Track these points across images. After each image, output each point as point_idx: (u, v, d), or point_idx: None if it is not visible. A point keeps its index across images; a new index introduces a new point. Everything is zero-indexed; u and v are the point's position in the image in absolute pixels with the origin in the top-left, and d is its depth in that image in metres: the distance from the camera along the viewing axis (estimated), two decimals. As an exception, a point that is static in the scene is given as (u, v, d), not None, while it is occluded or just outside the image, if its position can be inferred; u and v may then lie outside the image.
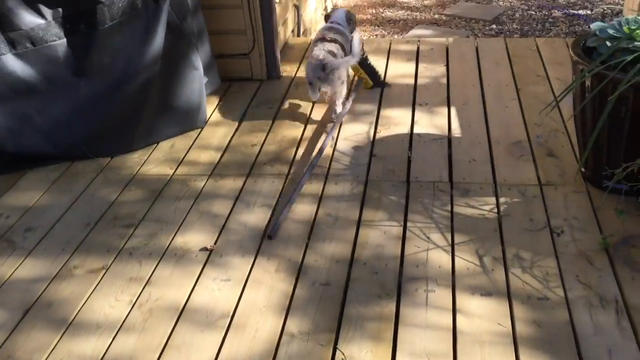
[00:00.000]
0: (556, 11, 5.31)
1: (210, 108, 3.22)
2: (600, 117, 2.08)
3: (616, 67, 2.12)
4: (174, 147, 2.92)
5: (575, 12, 5.26)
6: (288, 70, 3.61)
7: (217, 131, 3.04)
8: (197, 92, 3.01)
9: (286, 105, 3.24)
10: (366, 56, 3.32)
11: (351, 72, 3.35)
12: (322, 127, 2.99)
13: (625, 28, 2.24)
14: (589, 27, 4.98)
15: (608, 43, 2.25)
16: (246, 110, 3.21)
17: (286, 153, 2.81)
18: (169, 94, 2.92)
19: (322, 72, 2.86)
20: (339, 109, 2.99)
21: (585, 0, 5.47)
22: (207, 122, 3.10)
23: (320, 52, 2.94)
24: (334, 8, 3.83)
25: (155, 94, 2.85)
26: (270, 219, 2.37)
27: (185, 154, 2.86)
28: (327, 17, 3.38)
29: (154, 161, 2.82)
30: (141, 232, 2.36)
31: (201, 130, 3.04)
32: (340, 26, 3.22)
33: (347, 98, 3.14)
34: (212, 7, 3.31)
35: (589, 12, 5.26)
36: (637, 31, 2.21)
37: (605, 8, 5.27)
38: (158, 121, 2.92)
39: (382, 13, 5.71)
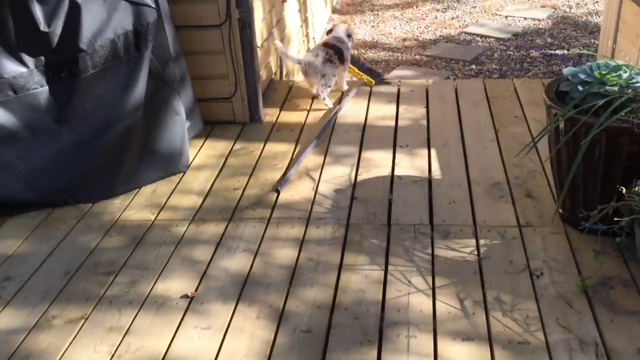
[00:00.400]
0: (534, 51, 5.45)
1: (193, 152, 3.24)
2: (574, 160, 2.12)
3: (588, 111, 2.17)
4: (155, 192, 2.92)
5: (552, 52, 5.40)
6: (270, 113, 3.65)
7: (199, 175, 3.05)
8: (179, 137, 3.03)
9: (268, 148, 3.27)
10: (359, 59, 4.06)
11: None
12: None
13: (596, 73, 2.31)
14: (565, 66, 5.12)
15: (580, 87, 2.31)
16: (228, 154, 3.23)
17: (268, 197, 2.82)
18: (151, 139, 2.94)
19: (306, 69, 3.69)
20: (322, 97, 3.68)
21: (561, 41, 5.62)
22: (189, 166, 3.11)
23: (309, 55, 3.75)
24: (335, 24, 4.42)
25: (137, 140, 2.87)
26: (252, 263, 2.37)
27: (167, 199, 2.86)
28: (329, 32, 4.01)
29: (135, 206, 2.81)
30: (122, 279, 2.34)
31: (183, 175, 3.05)
32: (341, 38, 3.87)
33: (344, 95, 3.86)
34: (195, 53, 3.36)
35: (565, 52, 5.40)
36: (608, 76, 2.27)
37: (582, 48, 5.42)
38: (140, 166, 2.93)
39: (365, 54, 5.81)
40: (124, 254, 2.48)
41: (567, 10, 6.39)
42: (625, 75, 2.27)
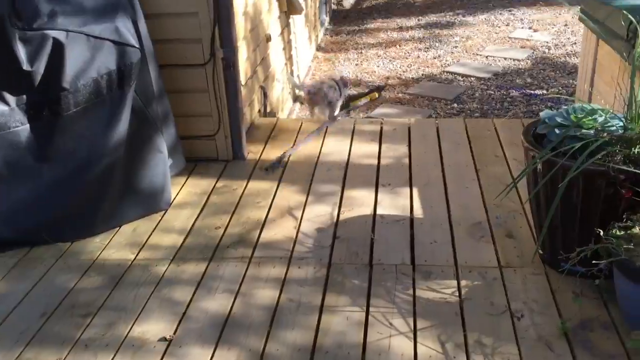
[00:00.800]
0: (514, 91, 5.55)
1: (175, 189, 3.23)
2: (552, 202, 2.15)
3: (565, 153, 2.21)
4: (136, 230, 2.90)
5: (532, 92, 5.51)
6: (254, 151, 3.66)
7: (181, 213, 3.03)
8: (161, 175, 3.02)
9: (251, 186, 3.27)
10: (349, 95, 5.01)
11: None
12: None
13: (572, 116, 2.35)
14: (546, 106, 5.22)
15: (557, 130, 2.35)
16: (211, 192, 3.22)
17: (250, 235, 2.81)
18: (133, 178, 2.92)
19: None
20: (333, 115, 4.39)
21: (540, 81, 5.74)
22: (171, 204, 3.10)
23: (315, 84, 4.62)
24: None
25: (118, 178, 2.86)
26: (232, 304, 2.34)
27: (148, 238, 2.83)
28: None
29: (115, 245, 2.78)
30: (99, 321, 2.30)
31: (165, 213, 3.04)
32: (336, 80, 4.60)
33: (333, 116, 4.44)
34: (179, 91, 3.38)
35: (544, 92, 5.51)
36: (584, 120, 2.32)
37: (560, 88, 5.54)
38: (121, 205, 2.91)
39: (348, 92, 5.88)
40: (102, 294, 2.45)
41: (546, 51, 6.55)
42: (600, 119, 2.32)
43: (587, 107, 2.40)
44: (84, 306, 2.39)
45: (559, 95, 5.26)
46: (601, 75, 3.91)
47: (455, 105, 5.38)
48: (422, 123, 4.05)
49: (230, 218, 2.97)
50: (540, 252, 2.49)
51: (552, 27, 7.34)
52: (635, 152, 2.15)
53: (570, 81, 5.65)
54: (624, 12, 3.14)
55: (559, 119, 2.38)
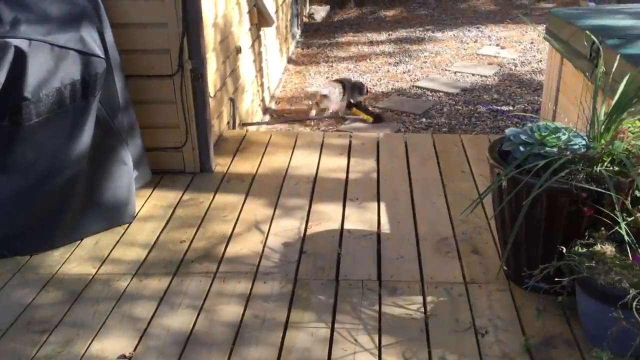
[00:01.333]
0: (481, 107, 5.63)
1: (140, 202, 3.17)
2: (517, 218, 2.17)
3: (529, 171, 2.23)
4: (98, 244, 2.83)
5: (499, 108, 5.60)
6: (221, 163, 3.62)
7: (145, 226, 2.97)
8: (126, 187, 2.96)
9: (218, 199, 3.23)
10: (360, 102, 5.59)
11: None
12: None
13: (536, 134, 2.39)
14: (511, 122, 5.30)
15: (521, 148, 2.38)
16: (177, 205, 3.17)
17: (215, 250, 2.77)
18: (96, 190, 2.86)
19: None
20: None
21: (507, 97, 5.84)
22: (135, 217, 3.04)
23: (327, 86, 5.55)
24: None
25: (80, 190, 2.79)
26: (195, 321, 2.30)
27: (110, 252, 2.77)
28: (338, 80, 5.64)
29: (76, 259, 2.71)
30: (56, 338, 2.23)
31: (129, 226, 2.97)
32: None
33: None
34: (146, 102, 3.33)
35: (511, 108, 5.61)
36: (548, 138, 2.36)
37: (526, 105, 5.64)
38: (83, 217, 2.84)
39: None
40: (60, 310, 2.37)
41: (513, 67, 6.67)
42: (564, 137, 2.36)
43: (551, 126, 2.44)
44: (41, 322, 2.31)
45: (524, 114, 5.35)
46: (565, 94, 3.99)
47: (424, 119, 5.43)
48: (391, 138, 4.07)
49: (196, 232, 2.92)
50: (505, 268, 2.51)
51: (519, 45, 7.48)
52: (597, 171, 2.19)
53: (536, 98, 5.76)
54: (587, 32, 3.22)
55: (523, 137, 2.41)
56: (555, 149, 2.32)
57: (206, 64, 3.39)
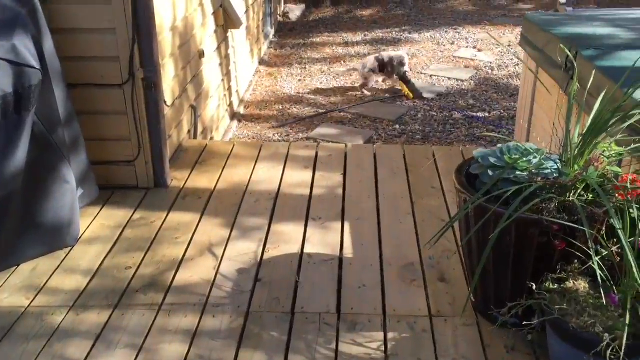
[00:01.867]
0: (456, 113, 5.47)
1: (86, 222, 2.94)
2: (484, 248, 1.99)
3: (498, 197, 2.06)
4: (35, 270, 2.60)
5: (474, 114, 5.44)
6: (179, 177, 3.41)
7: (89, 250, 2.75)
8: (68, 207, 2.74)
9: (171, 218, 3.01)
10: (405, 73, 5.90)
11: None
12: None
13: (506, 157, 2.21)
14: (486, 129, 5.15)
15: (490, 172, 2.20)
16: (126, 225, 2.95)
17: (163, 277, 2.56)
18: (34, 211, 2.63)
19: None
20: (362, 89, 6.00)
21: (483, 103, 5.69)
22: (79, 239, 2.81)
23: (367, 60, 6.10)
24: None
25: (16, 211, 2.56)
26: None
27: (48, 280, 2.54)
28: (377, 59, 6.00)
29: (8, 288, 2.48)
30: (-24, 384, 2.01)
31: (71, 250, 2.75)
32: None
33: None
34: (95, 113, 3.11)
35: (487, 114, 5.45)
36: (519, 162, 2.18)
37: (502, 111, 5.49)
38: (19, 241, 2.61)
39: (289, 109, 5.70)
40: (-16, 350, 2.15)
41: (489, 72, 6.53)
42: (535, 161, 2.19)
43: (522, 147, 2.27)
44: (-38, 365, 2.09)
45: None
46: (540, 103, 3.84)
47: (398, 126, 5.25)
48: (359, 149, 3.89)
49: (144, 256, 2.71)
50: (473, 299, 2.34)
51: (496, 47, 7.35)
52: (570, 199, 2.02)
53: (512, 104, 5.62)
54: (561, 45, 3.07)
55: (492, 160, 2.24)
56: (525, 174, 2.15)
57: (160, 71, 3.17)
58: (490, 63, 6.77)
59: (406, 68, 5.90)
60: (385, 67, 5.89)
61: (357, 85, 6.04)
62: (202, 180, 3.40)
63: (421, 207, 3.09)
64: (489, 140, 4.92)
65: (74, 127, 2.86)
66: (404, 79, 5.88)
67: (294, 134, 5.16)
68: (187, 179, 3.41)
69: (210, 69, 4.57)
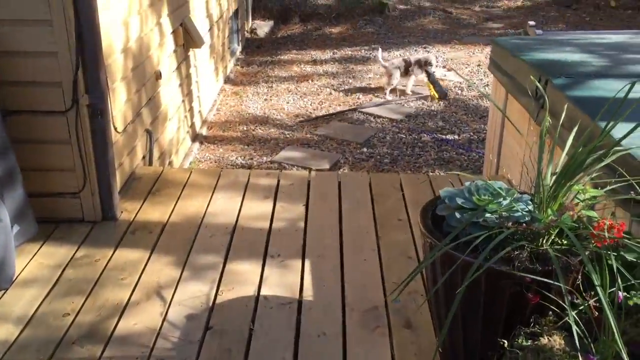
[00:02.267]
0: (425, 135, 5.35)
1: (23, 261, 2.70)
2: (452, 300, 1.82)
3: (467, 243, 1.90)
4: (-40, 319, 2.36)
5: (444, 137, 5.32)
6: (129, 209, 3.18)
7: (23, 294, 2.51)
8: (1, 247, 2.49)
9: (118, 256, 2.78)
10: (433, 73, 6.22)
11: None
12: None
13: (475, 199, 2.06)
14: (456, 153, 5.03)
15: (457, 214, 2.04)
16: (67, 264, 2.72)
17: (104, 326, 2.33)
18: (-40, 253, 2.39)
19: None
20: (387, 88, 6.23)
21: (452, 125, 5.58)
22: (13, 281, 2.57)
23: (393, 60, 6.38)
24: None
25: (-61, 255, 2.31)
26: None
27: (-27, 331, 2.30)
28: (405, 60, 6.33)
29: None
30: None
31: (4, 294, 2.50)
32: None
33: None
34: (35, 142, 2.88)
35: (456, 137, 5.34)
36: (490, 205, 2.03)
37: (472, 134, 5.38)
38: (-57, 286, 2.36)
39: (253, 131, 5.50)
40: None
41: (459, 92, 6.43)
42: (505, 202, 2.04)
43: (491, 187, 2.11)
44: None
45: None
46: (510, 131, 3.72)
47: (365, 149, 5.10)
48: (323, 177, 3.70)
49: (85, 301, 2.47)
50: (440, 350, 2.16)
51: (466, 67, 7.28)
52: (543, 247, 1.87)
53: (482, 126, 5.52)
54: (531, 76, 2.95)
55: (459, 201, 2.08)
56: (494, 217, 1.99)
57: (107, 97, 2.95)
58: (460, 83, 6.69)
59: (434, 69, 6.19)
60: (411, 69, 6.18)
61: (339, 100, 6.04)
62: (154, 212, 3.18)
63: (387, 243, 2.92)
64: (459, 165, 4.80)
65: (9, 158, 2.63)
66: (432, 80, 6.13)
67: (258, 157, 4.96)
68: (139, 210, 3.19)
69: (168, 90, 4.35)
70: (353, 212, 3.20)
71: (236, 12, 7.63)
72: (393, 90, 6.27)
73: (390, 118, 5.73)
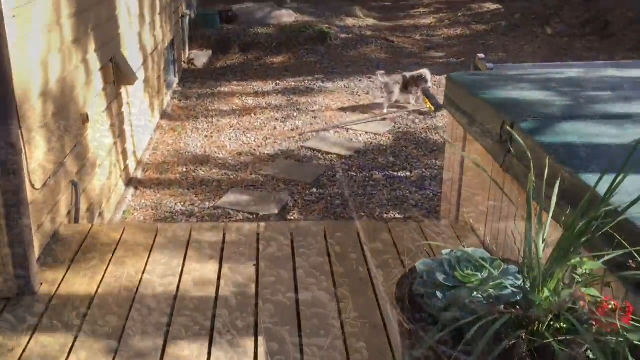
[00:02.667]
0: (376, 173, 5.10)
1: None
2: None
3: (453, 332, 1.61)
4: None
5: (396, 174, 5.09)
6: (50, 279, 2.74)
7: None
8: None
9: (36, 342, 2.35)
10: (428, 88, 6.51)
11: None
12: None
13: (457, 274, 1.77)
14: (409, 192, 4.80)
15: (439, 294, 1.75)
16: (-29, 358, 2.26)
17: None
18: None
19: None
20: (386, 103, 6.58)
21: (404, 161, 5.36)
22: None
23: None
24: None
25: None
26: None
27: None
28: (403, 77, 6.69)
29: None
30: None
31: None
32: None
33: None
34: None
35: (409, 173, 5.12)
36: (473, 280, 1.75)
37: (424, 170, 5.18)
38: None
39: (194, 172, 5.11)
40: None
41: (408, 124, 6.26)
42: (492, 277, 1.76)
43: (473, 258, 1.84)
44: None
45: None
46: (469, 174, 3.50)
47: (315, 190, 4.80)
48: (274, 229, 3.35)
49: (-9, 408, 2.03)
50: None
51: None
52: (540, 334, 1.60)
53: (434, 161, 5.33)
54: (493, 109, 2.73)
55: (440, 277, 1.79)
56: (481, 296, 1.72)
57: (21, 152, 2.54)
58: (408, 115, 6.52)
59: (429, 84, 6.54)
60: (409, 85, 6.59)
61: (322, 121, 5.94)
62: (81, 282, 2.75)
63: (350, 312, 2.59)
64: (413, 204, 4.56)
65: None
66: (427, 94, 6.45)
67: (199, 202, 4.57)
68: (62, 281, 2.75)
69: (97, 133, 3.93)
70: (309, 274, 2.87)
71: (172, 42, 7.24)
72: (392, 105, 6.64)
73: (339, 154, 5.47)
